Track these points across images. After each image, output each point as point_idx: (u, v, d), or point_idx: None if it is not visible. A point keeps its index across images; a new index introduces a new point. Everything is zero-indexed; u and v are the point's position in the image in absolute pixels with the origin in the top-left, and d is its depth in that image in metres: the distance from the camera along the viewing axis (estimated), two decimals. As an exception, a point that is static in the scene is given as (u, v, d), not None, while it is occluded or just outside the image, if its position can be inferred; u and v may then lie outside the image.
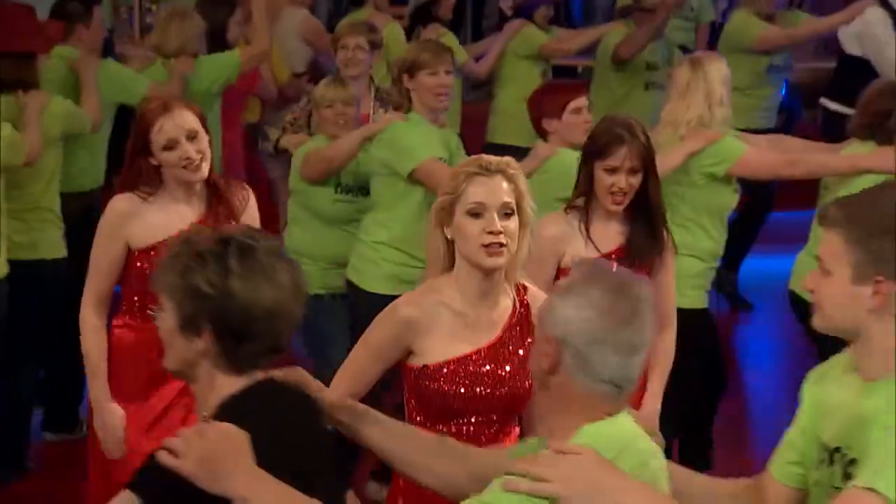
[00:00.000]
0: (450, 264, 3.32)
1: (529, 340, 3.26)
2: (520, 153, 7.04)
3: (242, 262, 2.40)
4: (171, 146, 4.04)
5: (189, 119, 4.11)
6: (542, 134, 5.22)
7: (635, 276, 2.50)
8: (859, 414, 2.51)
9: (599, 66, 7.75)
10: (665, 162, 4.89)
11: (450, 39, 7.66)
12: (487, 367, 3.32)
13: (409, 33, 7.75)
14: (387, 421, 2.88)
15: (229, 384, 2.44)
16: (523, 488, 2.32)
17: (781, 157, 5.35)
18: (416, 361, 3.31)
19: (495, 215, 3.23)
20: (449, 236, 3.29)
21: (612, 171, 4.21)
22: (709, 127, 5.13)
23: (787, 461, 2.71)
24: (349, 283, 5.31)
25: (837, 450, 2.56)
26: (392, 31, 7.51)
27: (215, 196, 4.20)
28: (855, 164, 5.17)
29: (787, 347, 6.92)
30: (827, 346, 4.77)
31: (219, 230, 2.52)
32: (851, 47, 7.38)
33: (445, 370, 3.28)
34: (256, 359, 2.45)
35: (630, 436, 2.45)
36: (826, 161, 5.35)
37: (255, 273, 2.40)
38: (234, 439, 2.33)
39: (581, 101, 5.15)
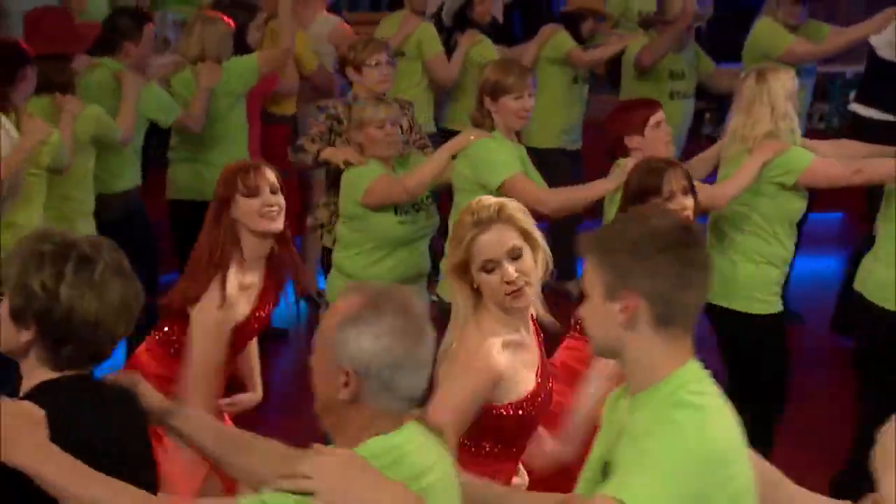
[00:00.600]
0: (478, 303, 3.47)
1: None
2: (542, 154, 6.74)
3: (77, 272, 2.55)
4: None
5: (271, 175, 4.24)
6: (620, 151, 5.20)
7: (408, 292, 2.58)
8: (625, 428, 2.60)
9: (625, 76, 7.71)
10: (743, 175, 5.09)
11: (487, 45, 7.69)
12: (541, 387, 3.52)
13: (448, 39, 7.74)
14: (216, 426, 3.02)
15: (46, 376, 2.60)
16: (285, 486, 2.42)
17: (847, 166, 5.34)
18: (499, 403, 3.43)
19: (506, 264, 3.38)
20: (475, 286, 3.43)
21: (671, 197, 4.34)
22: (777, 139, 5.20)
23: (586, 479, 2.79)
24: (440, 300, 5.10)
25: (607, 464, 2.64)
26: (426, 31, 7.55)
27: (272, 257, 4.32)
28: None
29: (826, 348, 6.83)
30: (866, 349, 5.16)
31: (67, 235, 2.64)
32: (886, 53, 7.25)
33: (524, 404, 3.46)
34: (76, 362, 2.60)
35: (407, 449, 2.53)
36: (890, 168, 5.31)
37: (84, 285, 2.55)
38: (30, 415, 2.46)
39: (660, 115, 5.18)
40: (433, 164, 5.30)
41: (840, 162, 5.39)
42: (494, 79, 5.19)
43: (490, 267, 3.38)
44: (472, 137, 5.24)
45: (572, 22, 7.80)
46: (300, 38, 7.17)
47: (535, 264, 3.45)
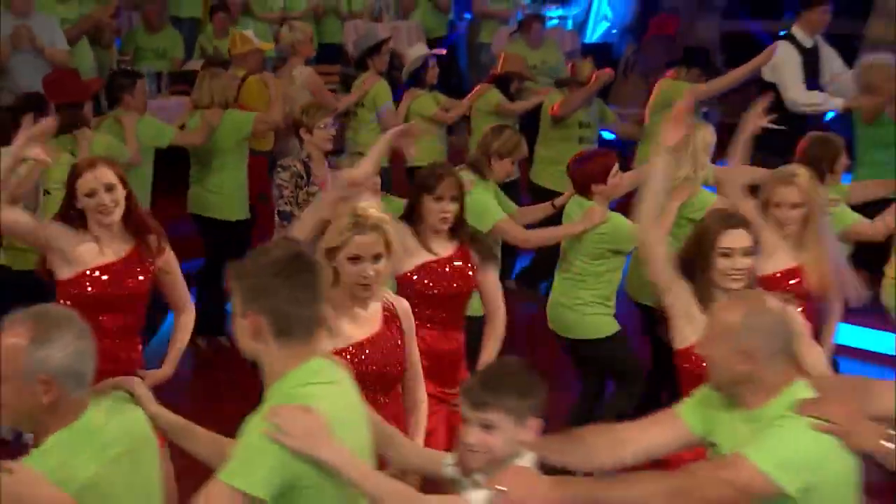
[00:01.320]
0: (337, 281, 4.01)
1: (399, 333, 4.13)
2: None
3: None
4: (91, 195, 4.62)
5: (108, 174, 4.63)
6: (587, 193, 5.98)
7: (62, 307, 3.16)
8: None
9: (543, 123, 8.81)
10: (670, 216, 5.83)
11: (425, 99, 9.02)
12: (368, 352, 4.05)
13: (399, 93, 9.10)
14: None
15: None
16: None
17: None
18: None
19: (368, 264, 3.95)
20: (335, 266, 3.97)
21: (439, 199, 4.96)
22: (692, 183, 6.05)
23: None
24: None
25: None
26: (380, 89, 8.82)
27: (139, 233, 4.72)
28: None
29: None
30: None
31: None
32: (769, 76, 8.29)
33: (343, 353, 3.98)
34: None
35: (92, 428, 2.93)
36: None
37: None
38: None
39: (616, 166, 5.97)
40: None
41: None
42: (511, 145, 6.29)
43: (355, 261, 3.94)
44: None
45: (503, 82, 9.17)
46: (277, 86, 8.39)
47: (387, 270, 4.03)
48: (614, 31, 14.20)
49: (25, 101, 6.76)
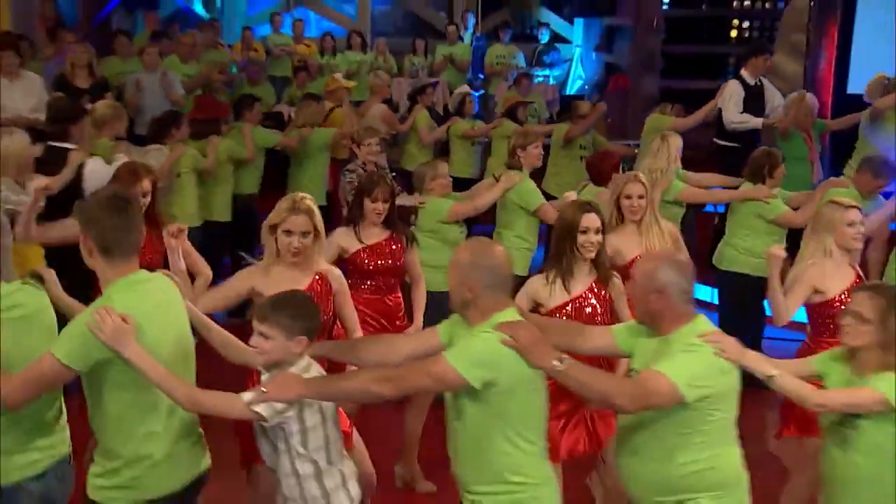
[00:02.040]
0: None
1: (327, 289, 4.80)
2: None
3: None
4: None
5: (146, 185, 5.60)
6: (605, 182, 7.26)
7: None
8: None
9: (553, 147, 10.28)
10: (654, 203, 6.36)
11: (461, 124, 11.17)
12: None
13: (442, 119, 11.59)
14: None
15: None
16: None
17: (702, 190, 7.72)
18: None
19: (296, 237, 4.67)
20: (276, 237, 4.74)
21: (374, 200, 5.71)
22: (668, 176, 7.57)
23: None
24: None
25: None
26: (423, 116, 11.25)
27: (151, 223, 5.26)
28: (744, 194, 7.45)
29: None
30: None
31: None
32: (720, 104, 9.80)
33: None
34: None
35: (3, 292, 3.44)
36: (729, 192, 7.71)
37: None
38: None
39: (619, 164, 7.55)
40: (493, 194, 7.18)
41: (699, 189, 7.61)
42: (522, 138, 7.44)
43: (288, 233, 4.67)
44: (517, 179, 7.22)
45: (513, 115, 11.17)
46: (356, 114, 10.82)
47: (314, 243, 4.70)
48: (586, 86, 16.65)
49: (167, 116, 8.74)
